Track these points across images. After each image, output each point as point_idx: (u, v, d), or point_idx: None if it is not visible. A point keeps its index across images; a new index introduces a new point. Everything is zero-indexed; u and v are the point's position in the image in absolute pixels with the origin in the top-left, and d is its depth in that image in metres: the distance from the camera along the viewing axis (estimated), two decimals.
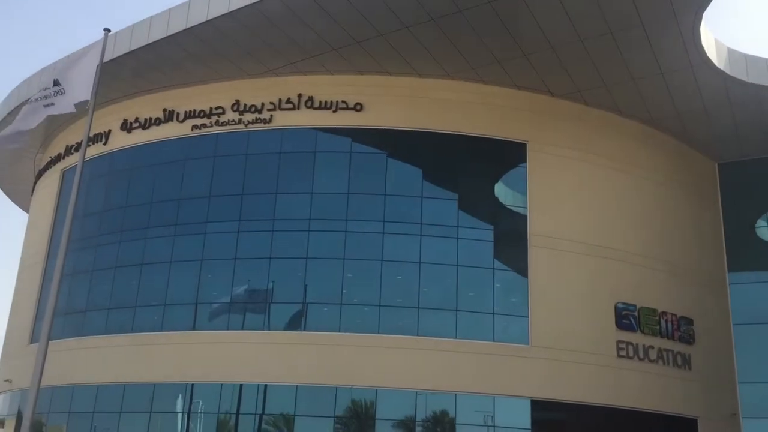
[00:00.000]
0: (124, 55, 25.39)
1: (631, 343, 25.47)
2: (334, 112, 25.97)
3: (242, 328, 24.76)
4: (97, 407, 25.55)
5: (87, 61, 15.91)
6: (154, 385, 24.86)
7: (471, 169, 26.18)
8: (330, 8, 22.47)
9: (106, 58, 16.96)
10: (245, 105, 26.64)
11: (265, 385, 23.92)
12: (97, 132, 28.72)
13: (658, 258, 27.36)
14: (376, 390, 23.35)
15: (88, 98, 15.14)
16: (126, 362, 25.21)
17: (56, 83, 15.81)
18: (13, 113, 16.25)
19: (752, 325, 29.19)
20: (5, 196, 41.45)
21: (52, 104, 15.47)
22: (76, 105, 15.61)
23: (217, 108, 26.97)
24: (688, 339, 27.26)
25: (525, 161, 26.18)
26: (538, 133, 26.49)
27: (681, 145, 29.86)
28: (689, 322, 27.43)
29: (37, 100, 15.73)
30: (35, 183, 35.45)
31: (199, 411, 24.69)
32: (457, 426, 23.34)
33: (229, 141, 26.81)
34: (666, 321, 26.61)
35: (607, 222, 26.67)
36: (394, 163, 25.99)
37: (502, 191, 26.62)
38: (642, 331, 25.82)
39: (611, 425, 24.76)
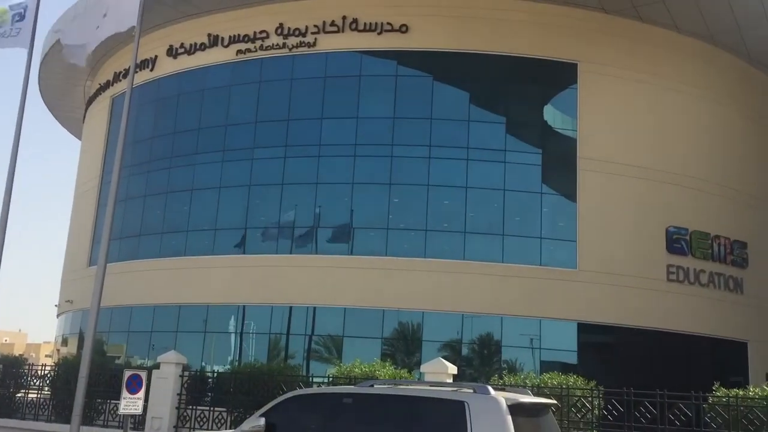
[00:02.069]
0: None
1: (682, 267, 25.14)
2: (379, 34, 25.45)
3: (291, 252, 25.22)
4: (154, 327, 26.67)
5: None
6: (208, 306, 25.70)
7: (519, 92, 25.60)
8: None
9: None
10: (289, 28, 26.29)
11: (314, 308, 24.48)
12: (143, 58, 28.81)
13: (713, 181, 26.62)
14: (423, 313, 23.69)
15: (132, 24, 15.03)
16: (180, 284, 26.02)
17: (106, 14, 15.73)
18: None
19: None
20: (59, 124, 42.32)
21: (99, 28, 15.45)
22: (123, 32, 15.55)
23: (261, 32, 26.70)
24: (742, 263, 26.77)
25: (575, 82, 25.41)
26: (589, 52, 25.58)
27: (742, 63, 28.55)
28: (743, 245, 26.87)
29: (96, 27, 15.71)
30: (86, 110, 36.04)
31: (251, 332, 25.50)
32: (503, 348, 23.63)
33: (274, 66, 26.62)
34: (719, 245, 26.11)
35: (660, 144, 25.92)
36: (440, 86, 25.51)
37: (551, 114, 26.01)
38: (693, 255, 25.42)
39: (660, 348, 24.74)
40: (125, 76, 30.59)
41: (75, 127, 41.16)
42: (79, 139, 39.18)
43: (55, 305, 34.55)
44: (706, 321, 25.52)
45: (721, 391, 12.78)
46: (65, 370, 19.03)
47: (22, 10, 16.94)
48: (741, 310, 26.63)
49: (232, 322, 25.80)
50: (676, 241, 25.21)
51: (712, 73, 27.70)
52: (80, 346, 28.91)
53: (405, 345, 23.97)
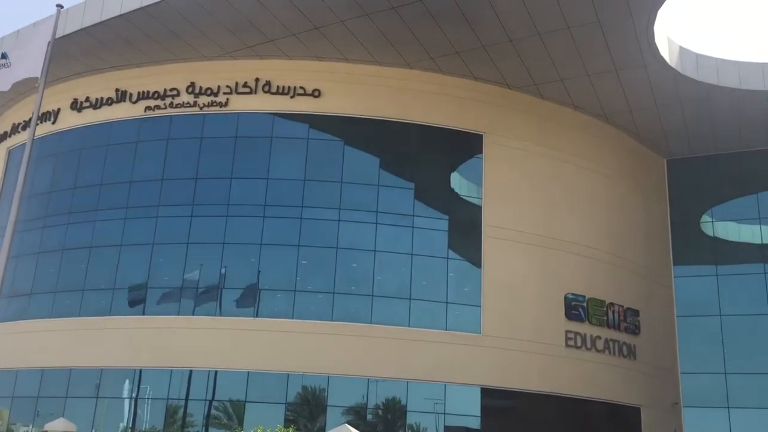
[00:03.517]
0: (75, 32, 24.68)
1: (579, 333, 26.02)
2: (292, 97, 25.76)
3: (193, 314, 24.46)
4: (41, 392, 24.99)
5: (36, 36, 15.44)
6: (102, 370, 24.41)
7: (428, 159, 26.30)
8: None
9: (57, 35, 16.42)
10: (201, 87, 26.22)
11: (216, 371, 23.69)
12: (45, 110, 27.92)
13: (607, 250, 27.95)
14: (328, 377, 23.36)
15: (37, 75, 14.67)
16: (72, 346, 24.68)
17: (4, 56, 15.32)
18: None
19: (695, 317, 30.15)
20: None
21: None
22: (24, 81, 15.14)
23: (171, 89, 26.48)
24: (634, 330, 27.99)
25: (481, 152, 26.41)
26: (494, 124, 26.73)
27: (632, 141, 30.51)
28: (635, 313, 28.15)
29: None
30: None
31: (147, 397, 24.32)
32: (407, 413, 23.53)
33: (184, 123, 26.36)
34: (613, 312, 27.26)
35: (559, 214, 27.11)
36: (351, 150, 25.92)
37: (458, 181, 26.82)
38: (590, 322, 26.41)
39: (559, 413, 25.28)
40: (24, 128, 29.50)
41: None
42: None
43: None
44: (602, 386, 26.36)
45: None
46: None
47: None
48: (634, 375, 27.70)
49: (126, 386, 24.54)
50: (574, 308, 26.16)
51: (606, 148, 29.44)
52: None
53: (309, 410, 23.48)
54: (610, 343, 26.95)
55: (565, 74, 25.93)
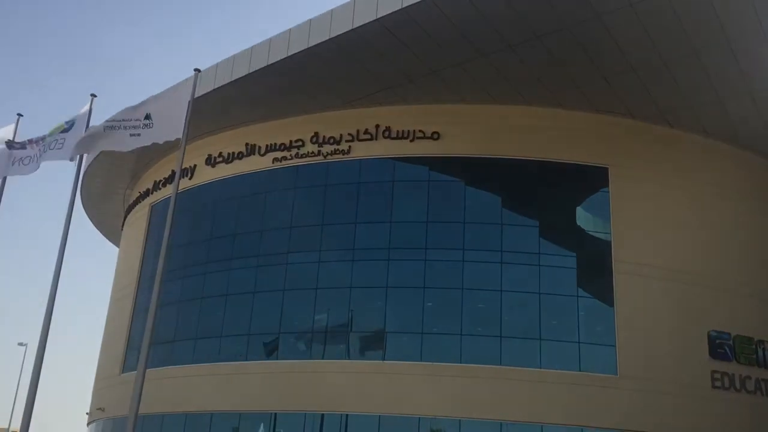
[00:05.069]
0: (209, 92, 26.28)
1: (727, 374, 24.29)
2: (412, 141, 26.13)
3: (323, 358, 24.94)
4: None
5: (175, 99, 16.43)
6: (240, 414, 25.26)
7: (551, 196, 25.78)
8: (405, 39, 22.74)
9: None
10: (324, 137, 27.13)
11: (347, 415, 23.93)
12: (183, 167, 29.68)
13: (751, 284, 26.11)
14: (459, 420, 23.01)
15: (179, 136, 15.61)
16: (212, 391, 25.72)
17: (148, 117, 16.35)
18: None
19: None
20: (98, 231, 43.35)
21: (138, 135, 15.97)
22: (166, 142, 16.10)
23: (296, 141, 27.58)
24: None
25: (607, 186, 25.57)
26: (619, 157, 25.89)
27: None
28: None
29: (125, 128, 16.26)
30: (125, 218, 36.97)
31: None
32: None
33: (309, 172, 27.30)
34: (763, 350, 25.29)
35: (695, 247, 25.68)
36: (472, 190, 25.87)
37: (583, 217, 26.07)
38: (738, 361, 24.62)
39: None
40: (164, 184, 31.57)
41: (113, 235, 42.12)
42: (117, 246, 40.00)
43: (86, 413, 34.21)
44: (754, 431, 24.34)
45: None
46: None
47: (71, 123, 17.59)
48: None
49: (262, 429, 25.24)
50: (720, 347, 24.49)
51: (742, 175, 27.74)
52: None
53: None
54: (762, 384, 24.95)
55: (694, 101, 24.82)
